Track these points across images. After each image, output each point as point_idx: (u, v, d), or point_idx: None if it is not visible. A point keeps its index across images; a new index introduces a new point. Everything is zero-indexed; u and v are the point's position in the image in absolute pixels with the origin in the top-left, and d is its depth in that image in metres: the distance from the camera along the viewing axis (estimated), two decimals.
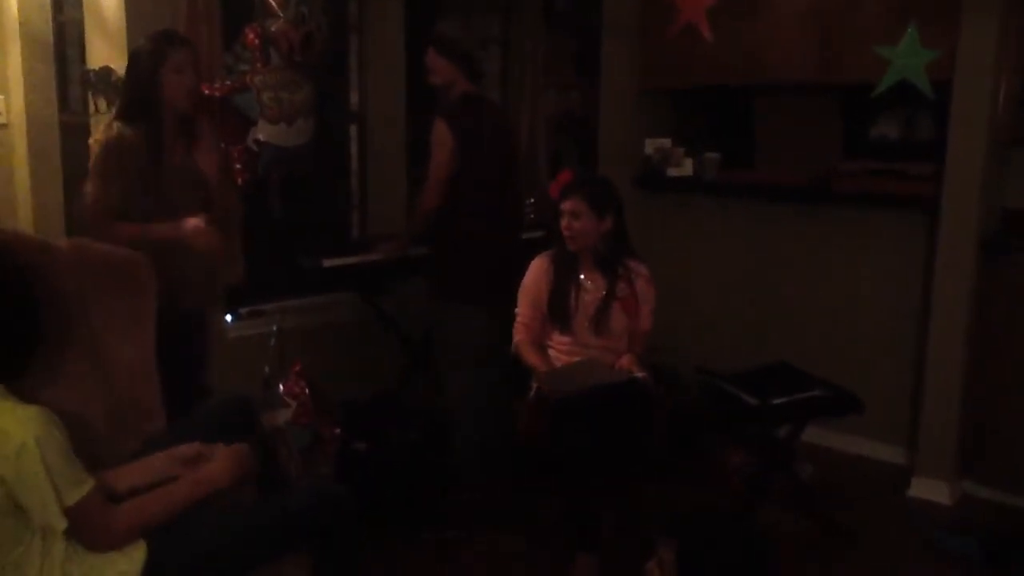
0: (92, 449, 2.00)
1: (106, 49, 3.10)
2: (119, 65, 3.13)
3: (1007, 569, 3.03)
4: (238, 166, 3.43)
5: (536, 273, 3.11)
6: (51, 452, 1.74)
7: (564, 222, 2.99)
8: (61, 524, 1.78)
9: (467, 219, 3.30)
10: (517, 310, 3.13)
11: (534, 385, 3.05)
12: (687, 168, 4.35)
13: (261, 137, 3.44)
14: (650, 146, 4.45)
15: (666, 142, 4.43)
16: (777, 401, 3.20)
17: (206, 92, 3.20)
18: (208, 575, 1.96)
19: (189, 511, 1.95)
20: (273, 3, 3.38)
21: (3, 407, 1.78)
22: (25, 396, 1.84)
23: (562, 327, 3.07)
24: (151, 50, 2.68)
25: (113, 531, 1.86)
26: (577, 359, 3.01)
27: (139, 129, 2.66)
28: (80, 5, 3.27)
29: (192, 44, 2.82)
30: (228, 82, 3.34)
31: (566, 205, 2.99)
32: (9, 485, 1.74)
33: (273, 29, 3.26)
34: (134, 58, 2.74)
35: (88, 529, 1.83)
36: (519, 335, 3.09)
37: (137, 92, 2.70)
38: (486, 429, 3.33)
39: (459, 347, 3.35)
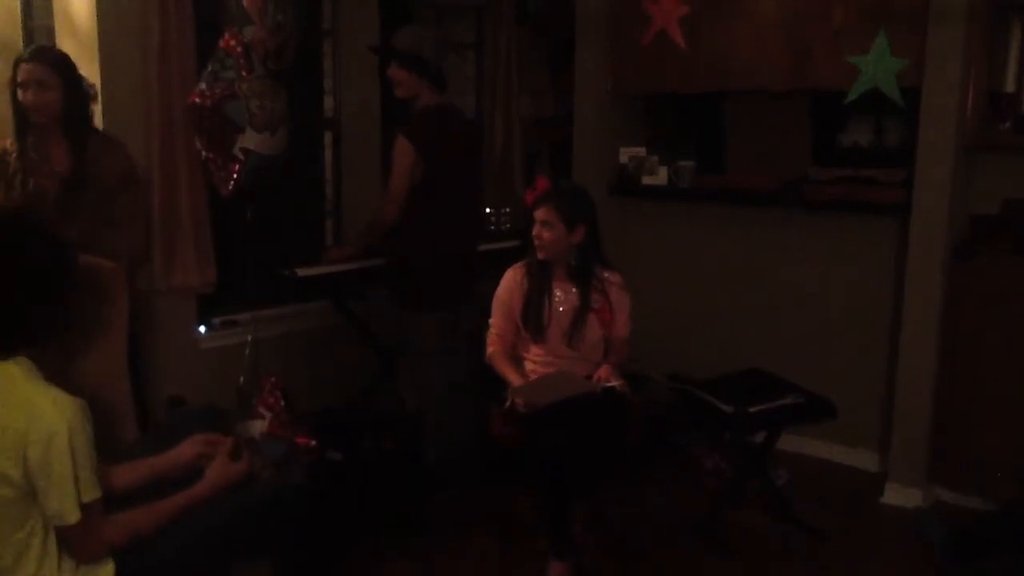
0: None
1: (77, 55, 3.07)
2: (90, 72, 3.10)
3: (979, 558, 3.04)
4: (224, 175, 3.39)
5: (509, 284, 3.10)
6: (80, 444, 1.76)
7: (535, 231, 2.98)
8: (74, 517, 1.78)
9: (427, 229, 3.31)
10: (491, 320, 3.11)
11: (509, 395, 3.05)
12: (662, 176, 4.37)
13: (249, 146, 3.41)
14: (625, 155, 4.47)
15: (640, 150, 4.45)
16: (753, 409, 3.22)
17: (196, 101, 3.17)
18: None
19: None
20: (249, 9, 3.35)
21: (41, 389, 1.78)
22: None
23: (536, 338, 3.05)
24: (15, 62, 2.85)
25: (104, 541, 1.86)
26: (551, 371, 3.00)
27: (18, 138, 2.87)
28: (50, 11, 3.23)
29: (47, 61, 2.86)
30: (218, 90, 3.30)
31: (538, 214, 2.98)
32: (32, 467, 1.73)
33: (249, 36, 3.24)
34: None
35: (83, 533, 1.82)
36: (492, 346, 3.08)
37: (13, 107, 2.88)
38: (453, 431, 3.34)
39: (421, 353, 3.36)
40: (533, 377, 3.01)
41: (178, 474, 2.07)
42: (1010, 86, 3.55)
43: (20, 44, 3.21)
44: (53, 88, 2.79)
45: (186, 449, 2.10)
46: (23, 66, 2.80)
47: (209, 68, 3.27)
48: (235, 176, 3.36)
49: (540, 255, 3.00)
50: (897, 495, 3.64)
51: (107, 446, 2.22)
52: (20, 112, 2.84)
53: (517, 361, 3.09)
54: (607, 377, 2.91)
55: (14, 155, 2.85)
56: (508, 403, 2.97)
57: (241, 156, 3.35)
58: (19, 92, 2.80)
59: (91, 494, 1.79)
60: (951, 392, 3.55)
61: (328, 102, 4.15)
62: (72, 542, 1.83)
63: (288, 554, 2.14)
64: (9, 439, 1.72)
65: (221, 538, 2.02)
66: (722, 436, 3.70)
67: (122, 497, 1.97)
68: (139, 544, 1.90)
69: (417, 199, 3.27)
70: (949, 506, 3.59)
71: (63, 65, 2.85)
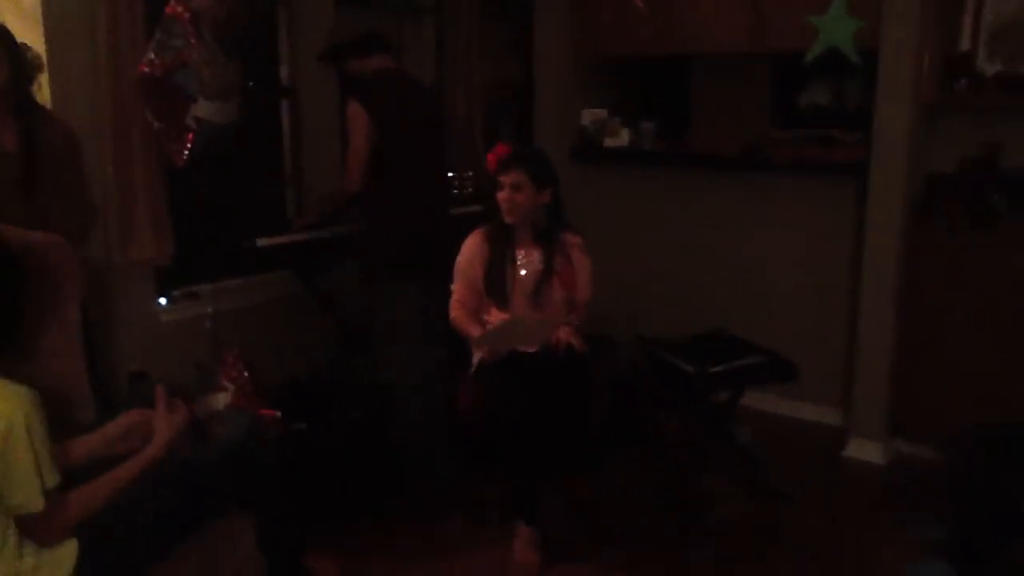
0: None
1: (20, 25, 2.98)
2: (34, 41, 3.01)
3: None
4: (177, 145, 3.33)
5: (470, 251, 3.09)
6: (37, 433, 1.74)
7: (504, 194, 2.97)
8: (38, 505, 1.76)
9: (392, 197, 3.27)
10: (452, 287, 3.11)
11: (475, 358, 3.05)
12: (624, 138, 4.37)
13: (201, 115, 3.35)
14: (586, 117, 4.45)
15: (602, 112, 4.44)
16: (714, 369, 3.25)
17: (146, 70, 3.10)
18: (141, 546, 1.95)
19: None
20: None
21: None
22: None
23: (499, 303, 3.05)
24: None
25: (66, 523, 1.84)
26: (506, 320, 3.00)
27: None
28: None
29: None
30: (167, 58, 3.23)
31: (507, 178, 2.97)
32: None
33: (193, 4, 3.16)
34: None
35: (47, 519, 1.81)
36: (455, 311, 3.08)
37: None
38: (424, 408, 3.32)
39: (392, 326, 3.32)
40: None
41: (132, 442, 2.05)
42: (965, 45, 3.57)
43: None
44: None
45: (122, 420, 2.08)
46: None
47: (157, 36, 3.20)
48: (188, 146, 3.31)
49: (508, 219, 2.99)
50: (859, 449, 3.72)
51: (65, 426, 2.20)
52: None
53: (480, 321, 3.09)
54: (567, 338, 2.92)
55: None
56: (474, 364, 2.98)
57: (193, 125, 3.30)
58: None
59: (52, 480, 1.78)
60: (910, 348, 3.62)
61: (284, 70, 4.08)
62: (35, 528, 1.81)
63: (270, 504, 2.15)
64: None
65: (189, 496, 2.02)
66: (685, 397, 3.74)
67: (77, 471, 1.95)
68: (105, 513, 1.89)
69: (378, 168, 3.23)
70: (908, 458, 3.67)
71: (5, 38, 2.75)
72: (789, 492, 3.39)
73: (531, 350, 2.99)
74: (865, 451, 3.70)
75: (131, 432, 2.08)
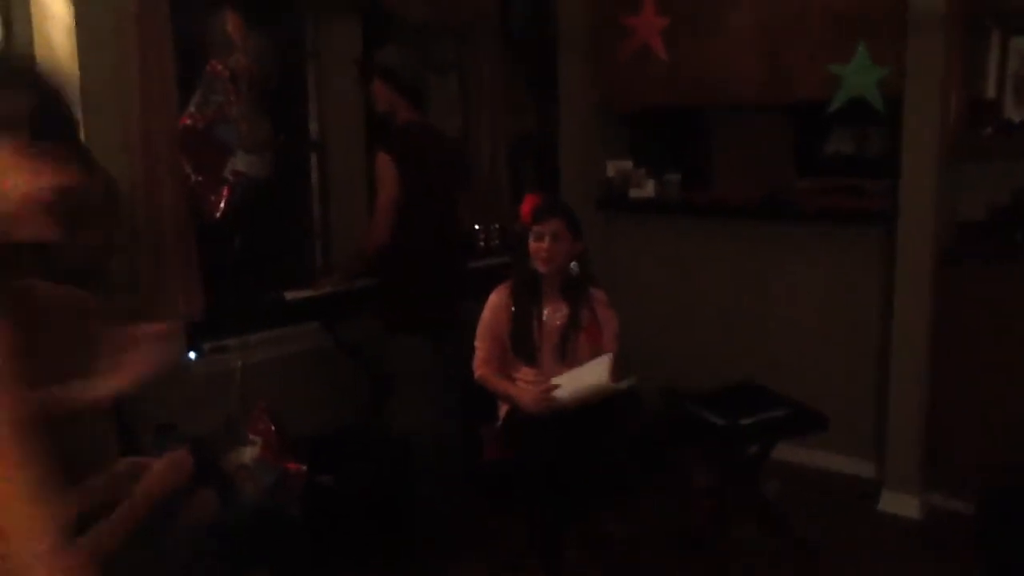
0: None
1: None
2: (68, 93, 3.09)
3: None
4: (213, 198, 3.39)
5: (495, 307, 3.06)
6: None
7: (544, 244, 2.94)
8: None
9: (410, 249, 3.31)
10: (476, 344, 3.06)
11: (502, 411, 3.03)
12: (649, 189, 4.38)
13: (240, 168, 3.41)
14: (612, 168, 4.48)
15: (627, 164, 4.46)
16: (744, 422, 3.21)
17: (188, 123, 3.18)
18: None
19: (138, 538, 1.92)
20: (233, 37, 3.36)
21: None
22: None
23: (527, 359, 2.99)
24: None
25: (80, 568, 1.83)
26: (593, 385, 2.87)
27: None
28: (30, 24, 3.22)
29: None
30: (209, 112, 3.31)
31: (545, 227, 2.95)
32: None
33: (234, 63, 3.26)
34: None
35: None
36: (480, 370, 3.03)
37: None
38: (441, 457, 3.31)
39: (407, 376, 3.34)
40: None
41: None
42: (991, 92, 3.57)
43: None
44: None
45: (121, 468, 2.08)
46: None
47: (198, 93, 3.28)
48: (224, 200, 3.37)
49: (544, 268, 2.96)
50: (892, 502, 3.64)
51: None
52: None
53: (508, 377, 3.06)
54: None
55: None
56: (503, 416, 2.96)
57: (231, 178, 3.36)
58: None
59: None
60: (943, 399, 3.55)
61: (312, 125, 4.15)
62: None
63: (289, 560, 2.13)
64: None
65: (214, 554, 2.01)
66: (714, 450, 3.69)
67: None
68: (122, 565, 1.87)
69: (400, 218, 3.27)
70: (944, 512, 3.58)
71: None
72: (817, 544, 3.32)
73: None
74: (899, 505, 3.62)
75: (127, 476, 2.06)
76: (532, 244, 2.97)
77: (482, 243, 4.35)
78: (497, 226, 4.44)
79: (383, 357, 3.46)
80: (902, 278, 3.58)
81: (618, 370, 2.88)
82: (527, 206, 3.07)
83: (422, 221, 3.30)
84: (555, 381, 2.83)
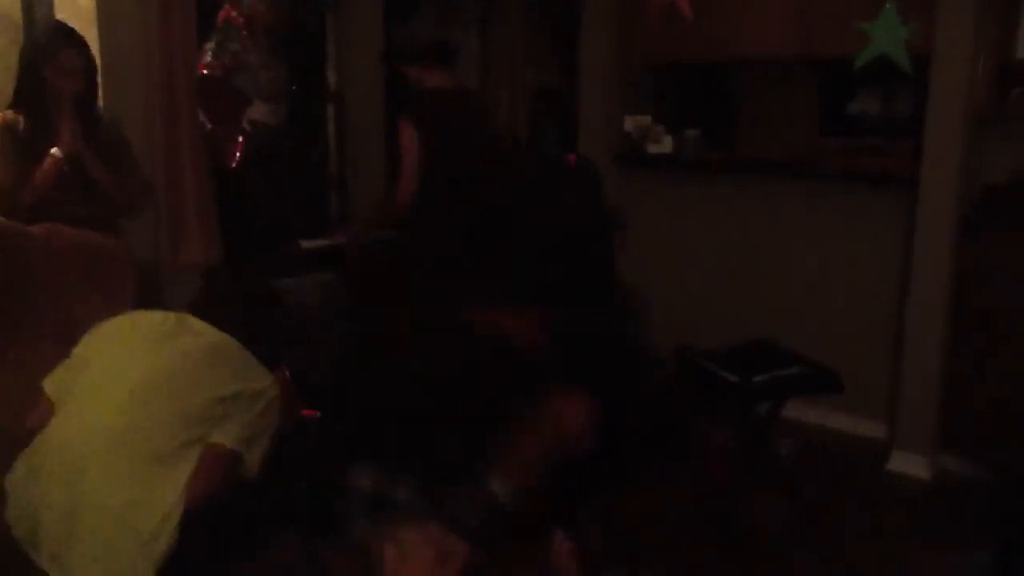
0: None
1: (75, 26, 3.04)
2: (89, 42, 3.08)
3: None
4: (230, 147, 3.38)
5: None
6: None
7: None
8: None
9: (429, 221, 3.27)
10: None
11: None
12: (667, 145, 4.34)
13: (256, 117, 3.40)
14: (630, 123, 4.43)
15: (646, 119, 4.41)
16: (757, 379, 3.21)
17: (205, 72, 3.16)
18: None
19: None
20: None
21: None
22: None
23: None
24: (43, 46, 2.74)
25: None
26: None
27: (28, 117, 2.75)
28: None
29: (83, 45, 2.82)
30: (226, 60, 3.28)
31: None
32: None
33: (246, 10, 3.22)
34: (25, 50, 2.80)
35: None
36: None
37: (26, 84, 2.76)
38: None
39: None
40: None
41: None
42: (1021, 53, 3.50)
43: (18, 14, 3.19)
44: (82, 71, 2.78)
45: None
46: (67, 52, 2.74)
47: (213, 40, 3.25)
48: (241, 148, 3.36)
49: None
50: (903, 463, 3.65)
51: None
52: (38, 90, 2.76)
53: None
54: None
55: (23, 130, 2.80)
56: None
57: (248, 128, 3.35)
58: (55, 75, 2.73)
59: None
60: (958, 361, 3.54)
61: (331, 75, 4.13)
62: None
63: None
64: None
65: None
66: (727, 408, 3.69)
67: None
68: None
69: (423, 195, 3.24)
70: (953, 473, 3.60)
71: (84, 49, 2.84)
72: (827, 503, 3.33)
73: None
74: (909, 465, 3.63)
75: None
76: None
77: None
78: None
79: None
80: (922, 241, 3.55)
81: None
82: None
83: (449, 198, 3.26)
84: None
